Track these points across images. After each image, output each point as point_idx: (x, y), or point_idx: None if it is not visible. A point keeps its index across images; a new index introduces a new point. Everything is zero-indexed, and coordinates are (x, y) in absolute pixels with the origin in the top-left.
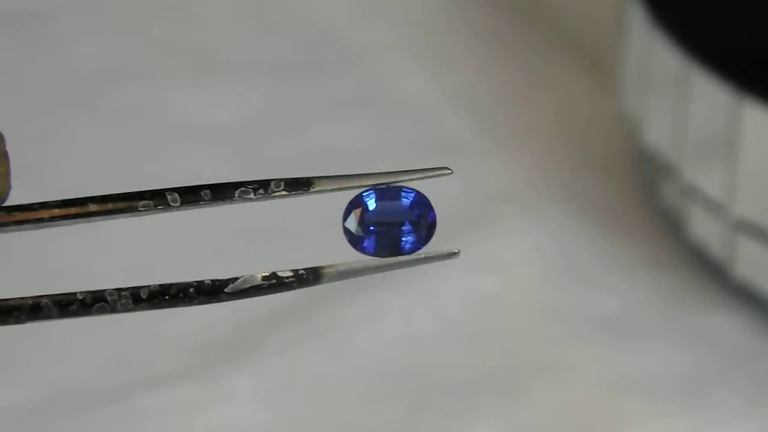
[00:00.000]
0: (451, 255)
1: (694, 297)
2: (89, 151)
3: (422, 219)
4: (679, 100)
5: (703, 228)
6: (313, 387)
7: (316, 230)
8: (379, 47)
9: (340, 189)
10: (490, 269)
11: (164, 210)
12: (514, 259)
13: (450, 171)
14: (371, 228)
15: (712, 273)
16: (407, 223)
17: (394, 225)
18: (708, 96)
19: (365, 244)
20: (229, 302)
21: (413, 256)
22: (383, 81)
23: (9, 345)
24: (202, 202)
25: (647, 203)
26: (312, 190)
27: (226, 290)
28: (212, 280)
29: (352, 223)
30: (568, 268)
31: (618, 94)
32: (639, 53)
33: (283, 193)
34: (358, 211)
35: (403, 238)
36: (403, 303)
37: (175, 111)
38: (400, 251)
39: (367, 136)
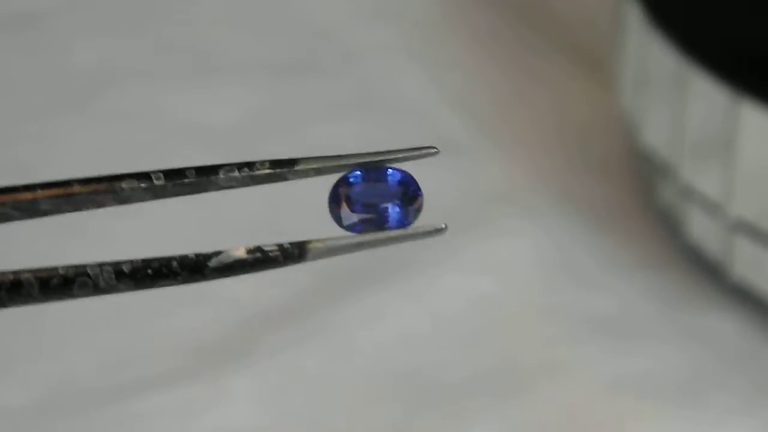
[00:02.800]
0: (439, 231)
1: (692, 297)
2: (86, 151)
3: (409, 198)
4: (677, 100)
5: (701, 228)
6: (311, 387)
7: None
8: (377, 48)
9: (324, 167)
10: (487, 269)
11: (149, 190)
12: (512, 259)
13: (436, 150)
14: (358, 207)
15: (709, 273)
16: (394, 201)
17: (381, 204)
18: (705, 96)
19: (351, 223)
20: (227, 302)
21: (400, 232)
22: (381, 81)
23: (7, 345)
24: (186, 180)
25: (645, 203)
26: (296, 168)
27: (210, 264)
28: (195, 254)
29: (338, 202)
30: (566, 268)
31: (615, 95)
32: (636, 54)
33: (268, 171)
34: (344, 190)
35: (390, 217)
36: (400, 303)
37: (173, 112)
38: (386, 229)
39: (365, 136)
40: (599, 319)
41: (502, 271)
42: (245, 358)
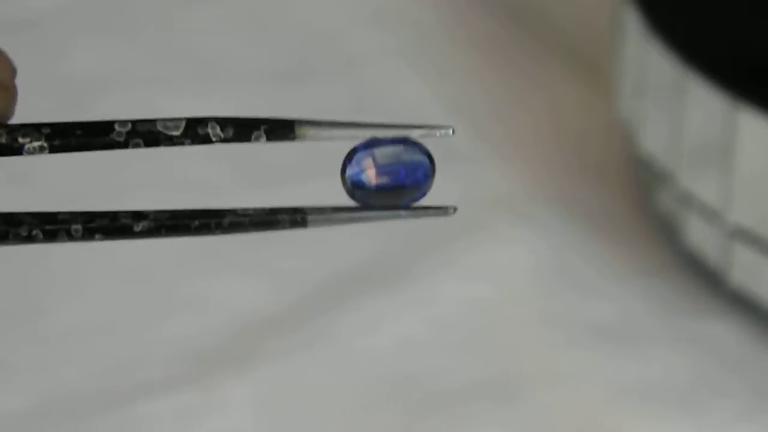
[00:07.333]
0: (446, 211)
1: (690, 303)
2: (83, 157)
3: (432, 169)
4: (675, 107)
5: (699, 235)
6: (309, 394)
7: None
8: (375, 54)
9: (340, 135)
10: (485, 276)
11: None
12: (510, 265)
13: (452, 130)
14: (382, 168)
15: (708, 280)
16: (421, 167)
17: (404, 169)
18: (703, 103)
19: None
20: (225, 309)
21: (410, 210)
22: (379, 87)
23: (8, 352)
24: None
25: (643, 210)
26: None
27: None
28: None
29: (358, 172)
30: (564, 274)
31: (614, 101)
32: (635, 60)
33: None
34: (368, 161)
35: (413, 179)
36: (399, 310)
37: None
38: (403, 191)
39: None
40: (598, 326)
41: (501, 278)
42: (243, 365)
